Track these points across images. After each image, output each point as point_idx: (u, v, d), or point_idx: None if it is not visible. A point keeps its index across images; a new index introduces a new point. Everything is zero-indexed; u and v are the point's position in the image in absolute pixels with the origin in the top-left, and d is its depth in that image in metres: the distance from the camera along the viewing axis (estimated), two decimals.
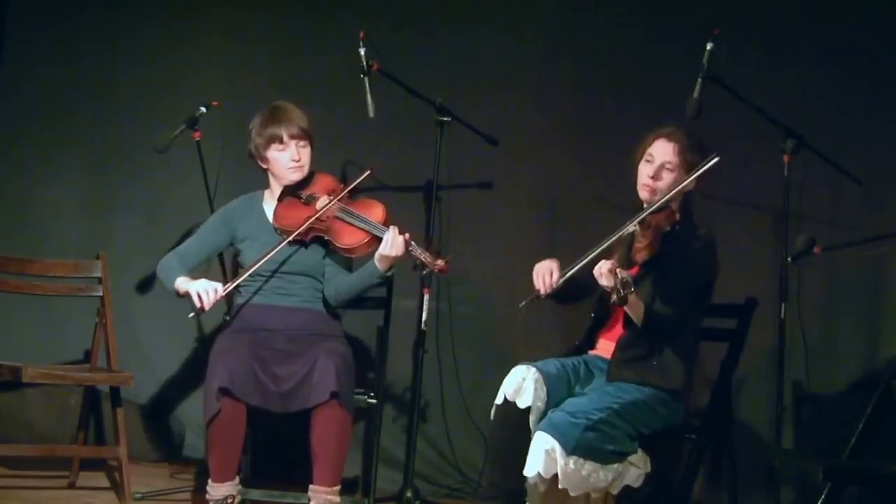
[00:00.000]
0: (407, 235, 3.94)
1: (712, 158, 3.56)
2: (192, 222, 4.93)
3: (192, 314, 3.95)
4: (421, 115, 4.53)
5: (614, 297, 3.38)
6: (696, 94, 3.92)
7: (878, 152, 4.44)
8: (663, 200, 3.63)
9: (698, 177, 3.65)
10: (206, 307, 3.91)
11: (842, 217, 4.44)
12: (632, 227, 3.61)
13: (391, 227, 3.94)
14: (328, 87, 4.89)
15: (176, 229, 5.05)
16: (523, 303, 3.69)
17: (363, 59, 4.29)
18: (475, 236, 4.85)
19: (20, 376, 4.01)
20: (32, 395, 4.93)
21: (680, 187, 3.65)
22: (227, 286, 3.97)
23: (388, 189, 4.58)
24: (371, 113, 4.32)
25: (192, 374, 5.01)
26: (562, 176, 4.78)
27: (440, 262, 3.92)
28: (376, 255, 3.98)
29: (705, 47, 3.92)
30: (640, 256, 3.59)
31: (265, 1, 5.18)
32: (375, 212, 4.05)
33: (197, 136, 4.52)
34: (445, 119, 4.46)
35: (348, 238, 4.02)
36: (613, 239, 3.64)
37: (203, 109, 4.53)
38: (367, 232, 3.99)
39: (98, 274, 4.43)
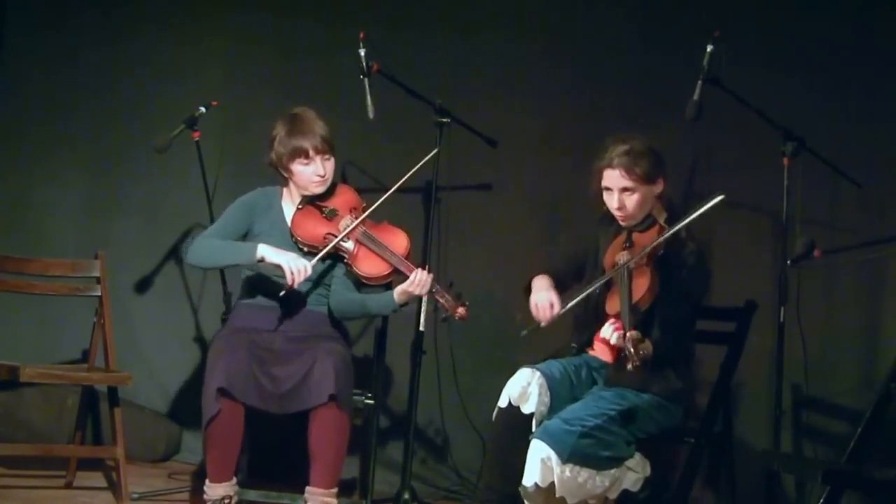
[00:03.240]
0: (432, 276, 3.94)
1: (715, 197, 3.57)
2: (191, 222, 4.94)
3: (282, 293, 3.87)
4: (421, 116, 4.52)
5: (630, 365, 3.41)
6: (695, 97, 3.92)
7: (878, 155, 4.43)
8: (666, 237, 3.65)
9: (665, 177, 3.76)
10: (296, 286, 3.85)
11: (841, 220, 4.43)
12: (624, 265, 3.63)
13: (420, 269, 3.94)
14: (328, 87, 4.88)
15: (174, 229, 5.06)
16: (525, 331, 3.78)
17: (363, 60, 4.28)
18: (474, 238, 4.84)
19: (18, 376, 4.01)
20: (30, 394, 4.93)
21: (682, 224, 3.64)
22: (314, 260, 3.89)
23: (387, 191, 4.56)
24: (371, 114, 4.31)
25: (190, 374, 5.01)
26: (561, 177, 4.76)
27: (461, 310, 3.94)
28: (398, 290, 3.97)
29: (705, 49, 3.92)
30: (644, 302, 3.61)
31: (265, 1, 5.17)
32: (399, 242, 4.03)
33: (196, 135, 4.52)
34: (445, 120, 4.44)
35: (369, 267, 4.00)
36: (606, 278, 3.69)
37: (202, 109, 4.52)
38: (390, 264, 3.98)
39: (96, 273, 4.42)
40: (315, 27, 5.06)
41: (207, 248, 3.99)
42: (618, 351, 3.59)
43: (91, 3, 5.28)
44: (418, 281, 3.92)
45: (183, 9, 5.23)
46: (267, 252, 3.88)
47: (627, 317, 3.50)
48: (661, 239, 3.65)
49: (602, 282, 3.69)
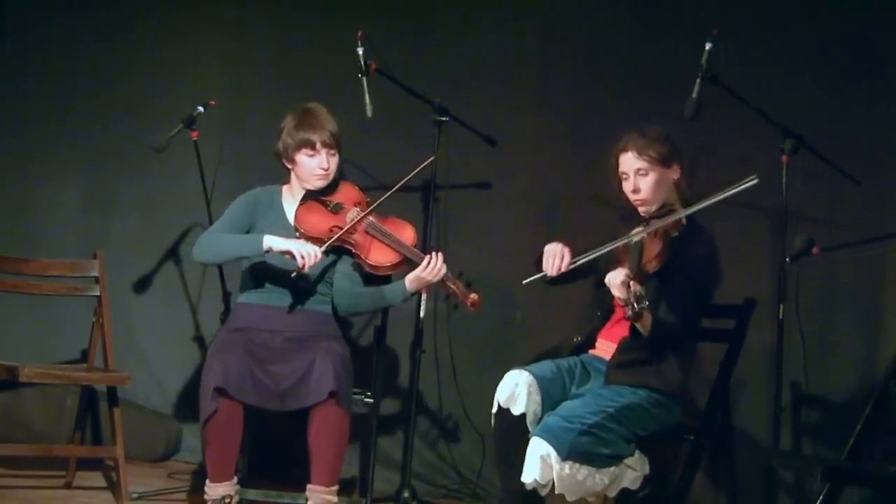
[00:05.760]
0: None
1: (750, 180, 3.53)
2: (190, 222, 4.93)
3: (293, 273, 3.88)
4: (419, 114, 4.52)
5: (628, 311, 3.41)
6: (694, 95, 3.92)
7: (876, 152, 4.43)
8: (679, 216, 3.64)
9: (681, 165, 3.76)
10: (306, 269, 3.86)
11: (840, 217, 4.43)
12: (639, 235, 3.61)
13: (435, 253, 3.95)
14: (326, 86, 4.87)
15: (173, 228, 5.05)
16: (528, 279, 3.73)
17: (361, 59, 4.28)
18: (473, 237, 4.83)
19: (17, 376, 4.01)
20: (29, 394, 4.92)
21: (705, 204, 3.62)
22: (323, 248, 3.89)
23: (387, 189, 4.57)
24: (369, 113, 4.31)
25: (189, 373, 5.00)
26: (560, 176, 4.77)
27: (473, 296, 3.94)
28: (411, 276, 3.97)
29: (704, 47, 3.92)
30: (651, 266, 3.60)
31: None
32: (407, 233, 4.06)
33: (194, 135, 4.51)
34: (444, 119, 4.45)
35: (379, 256, 4.00)
36: (621, 242, 3.64)
37: (200, 109, 4.51)
38: (400, 254, 3.98)
39: (95, 273, 4.41)
40: (313, 26, 5.06)
41: (214, 242, 4.01)
42: (620, 301, 3.53)
43: (88, 1, 5.27)
44: (432, 266, 3.93)
45: (180, 6, 5.22)
46: (274, 242, 3.91)
47: (634, 270, 3.48)
48: (683, 213, 3.62)
49: (619, 243, 3.63)
